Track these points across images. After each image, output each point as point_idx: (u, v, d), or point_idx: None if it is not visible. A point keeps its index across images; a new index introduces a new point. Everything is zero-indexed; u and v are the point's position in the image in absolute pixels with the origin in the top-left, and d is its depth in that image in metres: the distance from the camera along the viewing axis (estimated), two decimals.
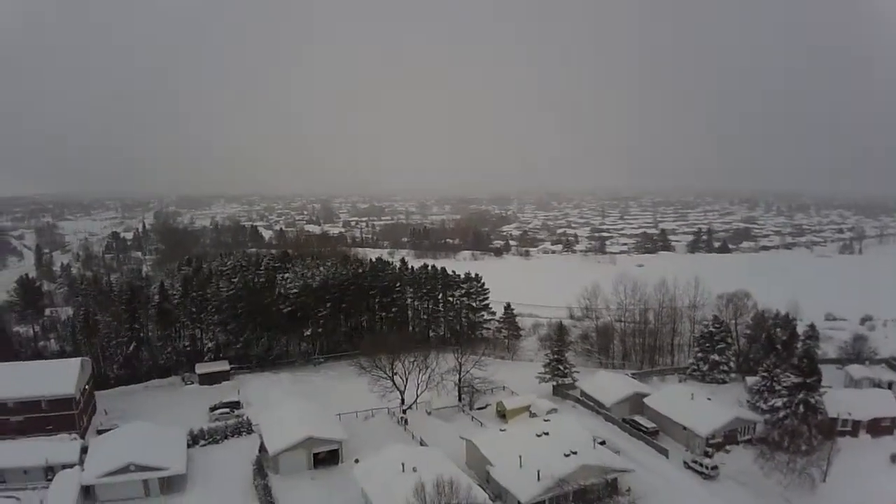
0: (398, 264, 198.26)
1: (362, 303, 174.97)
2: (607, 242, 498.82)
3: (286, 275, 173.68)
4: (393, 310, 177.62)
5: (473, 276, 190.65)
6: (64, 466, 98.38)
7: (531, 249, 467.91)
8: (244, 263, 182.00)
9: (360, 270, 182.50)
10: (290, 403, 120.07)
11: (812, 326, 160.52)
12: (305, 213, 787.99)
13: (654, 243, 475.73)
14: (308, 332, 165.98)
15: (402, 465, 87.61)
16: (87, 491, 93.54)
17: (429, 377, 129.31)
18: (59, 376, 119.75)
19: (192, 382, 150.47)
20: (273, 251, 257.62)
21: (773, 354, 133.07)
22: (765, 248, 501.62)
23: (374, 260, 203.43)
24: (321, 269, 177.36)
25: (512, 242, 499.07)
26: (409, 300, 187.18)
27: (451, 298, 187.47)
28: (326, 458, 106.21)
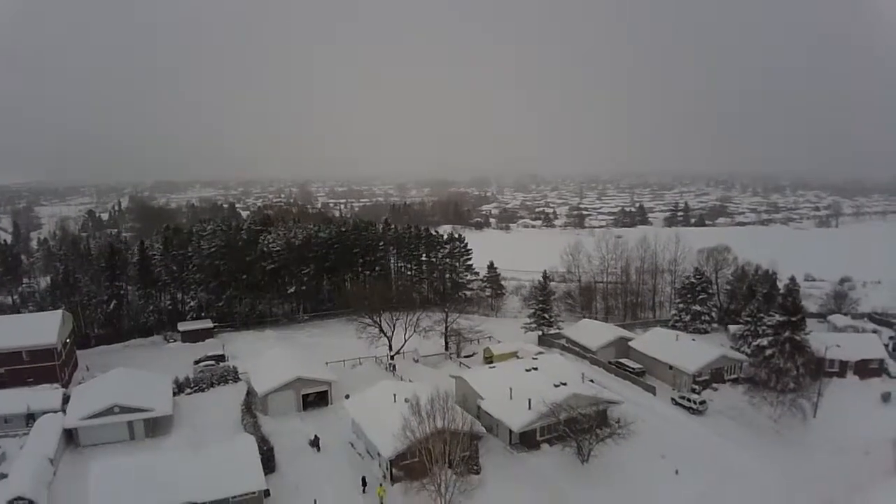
0: (381, 225, 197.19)
1: (346, 261, 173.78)
2: (586, 219, 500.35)
3: (268, 236, 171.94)
4: (377, 268, 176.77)
5: (456, 236, 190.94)
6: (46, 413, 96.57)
7: (511, 225, 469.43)
8: (224, 228, 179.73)
9: (344, 229, 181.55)
10: (278, 349, 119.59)
11: (793, 279, 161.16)
12: (283, 195, 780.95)
13: (633, 218, 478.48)
14: (292, 290, 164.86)
15: (394, 395, 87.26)
16: (69, 435, 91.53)
17: (417, 321, 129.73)
18: (40, 327, 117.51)
19: (175, 340, 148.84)
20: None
21: (755, 301, 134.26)
22: (741, 223, 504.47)
23: (357, 220, 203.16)
24: (304, 230, 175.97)
25: (492, 219, 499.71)
26: (392, 260, 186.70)
27: (434, 259, 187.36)
28: (315, 400, 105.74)
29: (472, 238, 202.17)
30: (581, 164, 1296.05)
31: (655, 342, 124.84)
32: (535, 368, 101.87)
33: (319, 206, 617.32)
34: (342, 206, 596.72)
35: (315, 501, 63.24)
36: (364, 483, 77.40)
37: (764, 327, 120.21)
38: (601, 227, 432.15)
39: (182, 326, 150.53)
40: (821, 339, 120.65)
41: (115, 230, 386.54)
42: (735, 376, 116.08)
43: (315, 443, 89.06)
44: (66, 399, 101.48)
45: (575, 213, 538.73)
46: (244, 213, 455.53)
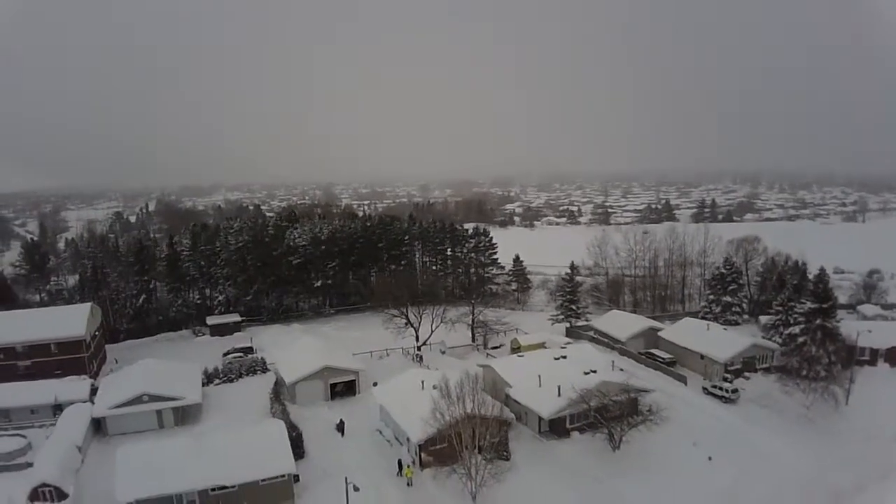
0: (406, 220, 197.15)
1: (371, 256, 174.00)
2: (611, 216, 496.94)
3: (294, 231, 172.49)
4: (402, 263, 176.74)
5: (482, 230, 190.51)
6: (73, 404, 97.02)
7: (535, 222, 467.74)
8: (251, 224, 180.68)
9: (369, 224, 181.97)
10: (306, 339, 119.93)
11: (822, 270, 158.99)
12: (307, 198, 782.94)
13: (659, 214, 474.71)
14: (318, 285, 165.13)
15: (422, 382, 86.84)
16: (97, 425, 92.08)
17: (443, 312, 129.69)
18: (68, 319, 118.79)
19: (203, 334, 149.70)
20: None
21: (785, 290, 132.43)
22: (769, 219, 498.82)
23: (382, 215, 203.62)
24: (329, 224, 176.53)
25: (516, 217, 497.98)
26: (417, 255, 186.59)
27: (459, 254, 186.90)
28: (343, 390, 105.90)
29: (496, 235, 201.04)
30: (606, 162, 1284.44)
31: (686, 332, 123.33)
32: (564, 357, 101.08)
33: (343, 206, 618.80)
34: (366, 207, 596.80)
35: (346, 479, 62.79)
36: (400, 466, 77.73)
37: (795, 316, 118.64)
38: (627, 223, 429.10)
39: (210, 320, 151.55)
40: (851, 327, 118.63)
41: (144, 230, 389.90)
42: (767, 365, 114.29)
43: (340, 427, 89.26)
44: (93, 390, 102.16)
45: (600, 210, 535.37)
46: (269, 215, 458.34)
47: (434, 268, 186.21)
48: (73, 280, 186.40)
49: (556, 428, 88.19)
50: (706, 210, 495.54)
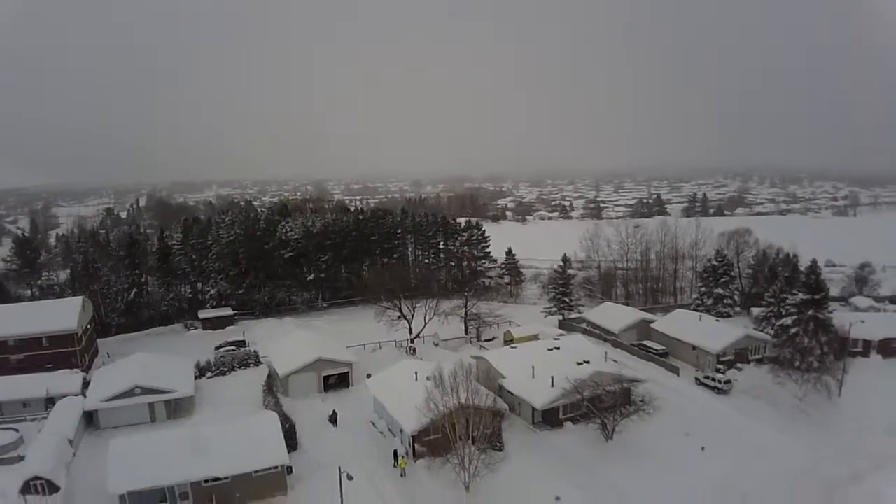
0: (399, 213, 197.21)
1: (363, 249, 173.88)
2: (603, 211, 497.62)
3: (286, 224, 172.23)
4: (394, 256, 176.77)
5: (474, 224, 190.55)
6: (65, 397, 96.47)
7: (527, 217, 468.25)
8: (242, 218, 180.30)
9: (362, 217, 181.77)
10: (299, 333, 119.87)
11: (814, 261, 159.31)
12: (299, 193, 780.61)
13: (650, 208, 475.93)
14: (311, 278, 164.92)
15: (416, 373, 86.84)
16: (89, 418, 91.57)
17: (437, 305, 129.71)
18: (60, 313, 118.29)
19: (195, 328, 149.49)
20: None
21: (777, 282, 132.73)
22: (760, 213, 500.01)
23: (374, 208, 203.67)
24: (322, 218, 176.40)
25: (508, 212, 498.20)
26: (409, 248, 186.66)
27: (451, 247, 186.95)
28: (336, 383, 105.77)
29: (489, 229, 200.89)
30: (598, 158, 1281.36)
31: (678, 323, 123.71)
32: (557, 348, 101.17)
33: (335, 201, 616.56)
34: (358, 202, 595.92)
35: (340, 468, 62.66)
36: (396, 456, 77.62)
37: (787, 307, 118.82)
38: (619, 217, 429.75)
39: (202, 314, 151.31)
40: (844, 318, 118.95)
41: (135, 225, 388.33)
42: (759, 356, 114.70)
43: (333, 418, 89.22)
44: (85, 384, 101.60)
45: (592, 205, 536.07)
46: (261, 210, 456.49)
47: (427, 261, 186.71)
48: (64, 275, 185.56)
49: (550, 418, 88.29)
50: (697, 204, 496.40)
